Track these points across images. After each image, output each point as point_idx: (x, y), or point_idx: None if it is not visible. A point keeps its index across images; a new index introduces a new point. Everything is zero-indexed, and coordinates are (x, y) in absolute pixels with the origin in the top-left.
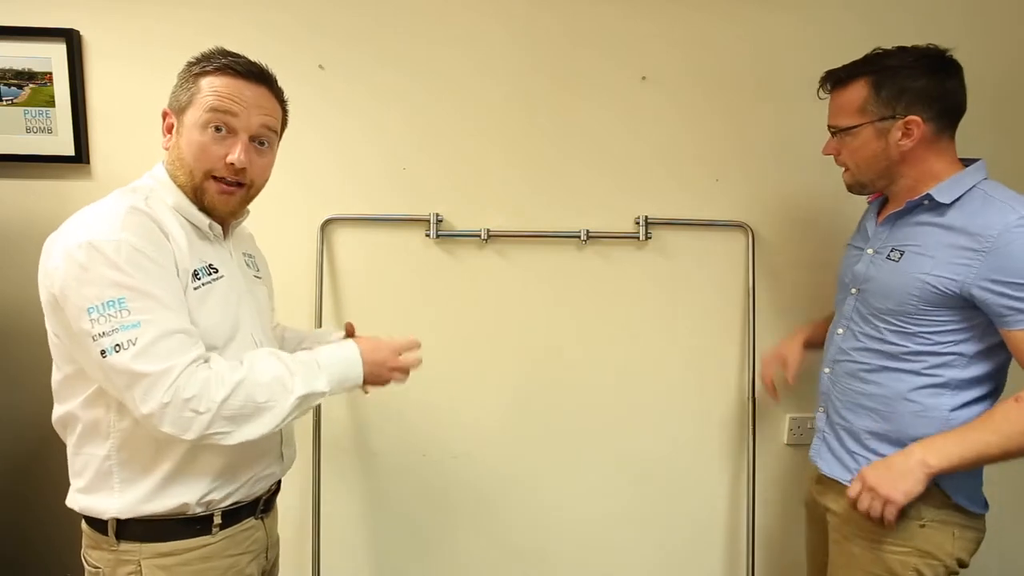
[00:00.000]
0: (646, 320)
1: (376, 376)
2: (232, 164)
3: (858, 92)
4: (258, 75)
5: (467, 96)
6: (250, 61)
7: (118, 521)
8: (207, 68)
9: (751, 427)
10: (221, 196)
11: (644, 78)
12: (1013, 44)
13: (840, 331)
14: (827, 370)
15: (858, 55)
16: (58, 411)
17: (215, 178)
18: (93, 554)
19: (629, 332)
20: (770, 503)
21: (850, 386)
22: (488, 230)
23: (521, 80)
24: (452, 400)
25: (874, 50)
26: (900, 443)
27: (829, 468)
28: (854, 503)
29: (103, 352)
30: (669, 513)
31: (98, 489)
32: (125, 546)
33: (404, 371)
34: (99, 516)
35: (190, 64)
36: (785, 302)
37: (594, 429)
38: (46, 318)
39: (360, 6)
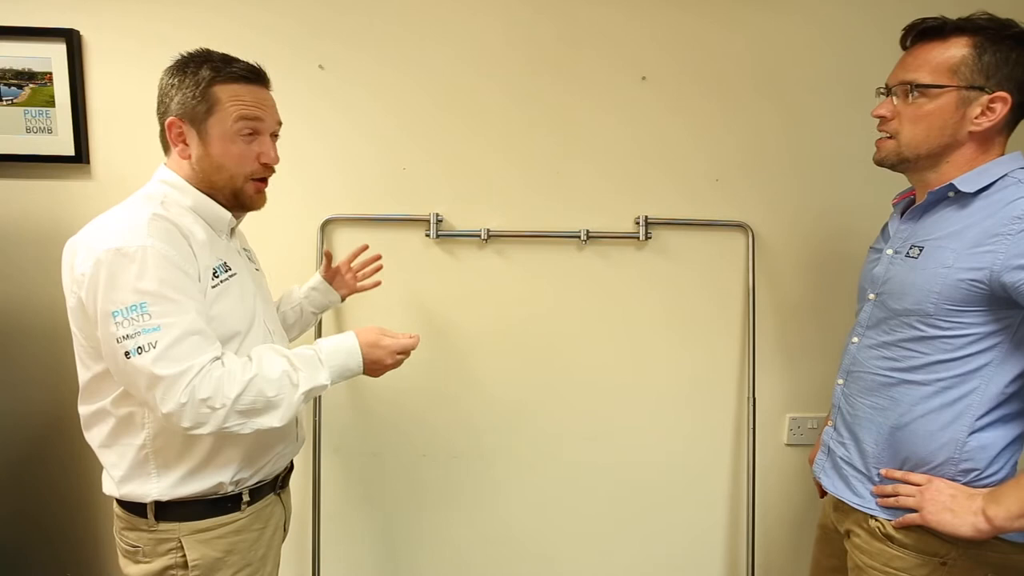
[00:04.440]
0: (646, 320)
1: (372, 372)
2: (268, 164)
3: (956, 49)
4: (264, 78)
5: (467, 96)
6: (252, 66)
7: (157, 504)
8: (219, 78)
9: (751, 427)
10: (258, 193)
11: (644, 78)
12: None
13: (855, 340)
14: (840, 381)
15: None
16: (87, 409)
17: (252, 179)
18: (130, 535)
19: (629, 332)
20: (770, 503)
21: (863, 400)
22: (488, 230)
23: (521, 80)
24: (452, 400)
25: (976, 12)
26: (903, 467)
27: (833, 486)
28: (888, 492)
29: (127, 354)
30: (669, 513)
31: (136, 477)
32: (164, 526)
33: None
34: (139, 500)
35: (190, 71)
36: (785, 302)
37: (594, 429)
38: (72, 321)
39: (360, 7)
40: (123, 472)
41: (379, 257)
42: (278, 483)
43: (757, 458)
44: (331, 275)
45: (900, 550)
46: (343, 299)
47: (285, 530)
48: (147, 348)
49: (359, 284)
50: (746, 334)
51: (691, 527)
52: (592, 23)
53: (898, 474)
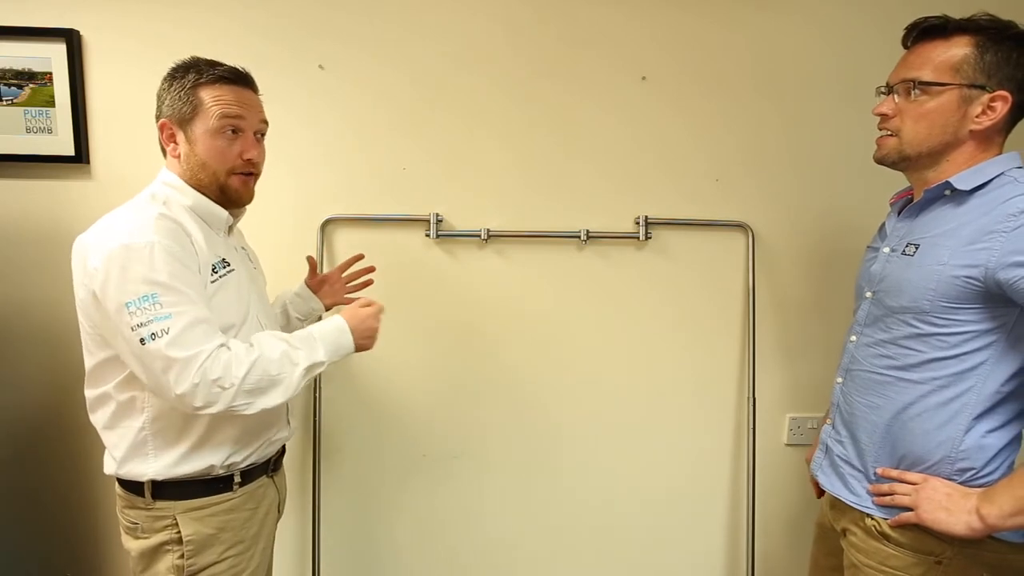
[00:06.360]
0: (646, 320)
1: (363, 341)
2: (250, 159)
3: (959, 48)
4: (247, 80)
5: (467, 96)
6: (235, 68)
7: (154, 483)
8: (202, 80)
9: (751, 427)
10: (243, 186)
11: (644, 78)
12: None
13: (853, 338)
14: (839, 380)
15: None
16: (92, 393)
17: (234, 173)
18: (130, 512)
19: (629, 332)
20: (770, 503)
21: (860, 398)
22: (488, 230)
23: (521, 80)
24: (452, 400)
25: (977, 13)
26: (900, 466)
27: (830, 484)
28: (884, 492)
29: (142, 340)
30: (669, 512)
31: (134, 457)
32: (160, 504)
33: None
34: (137, 479)
35: (178, 77)
36: (785, 302)
37: (594, 428)
38: (80, 312)
39: (360, 6)
40: (123, 452)
41: (373, 269)
42: (270, 466)
43: (757, 458)
44: (317, 283)
45: (896, 549)
46: (327, 308)
47: (280, 511)
48: (160, 334)
49: (346, 296)
50: (746, 334)
51: (691, 527)
52: (592, 23)
53: (894, 473)
